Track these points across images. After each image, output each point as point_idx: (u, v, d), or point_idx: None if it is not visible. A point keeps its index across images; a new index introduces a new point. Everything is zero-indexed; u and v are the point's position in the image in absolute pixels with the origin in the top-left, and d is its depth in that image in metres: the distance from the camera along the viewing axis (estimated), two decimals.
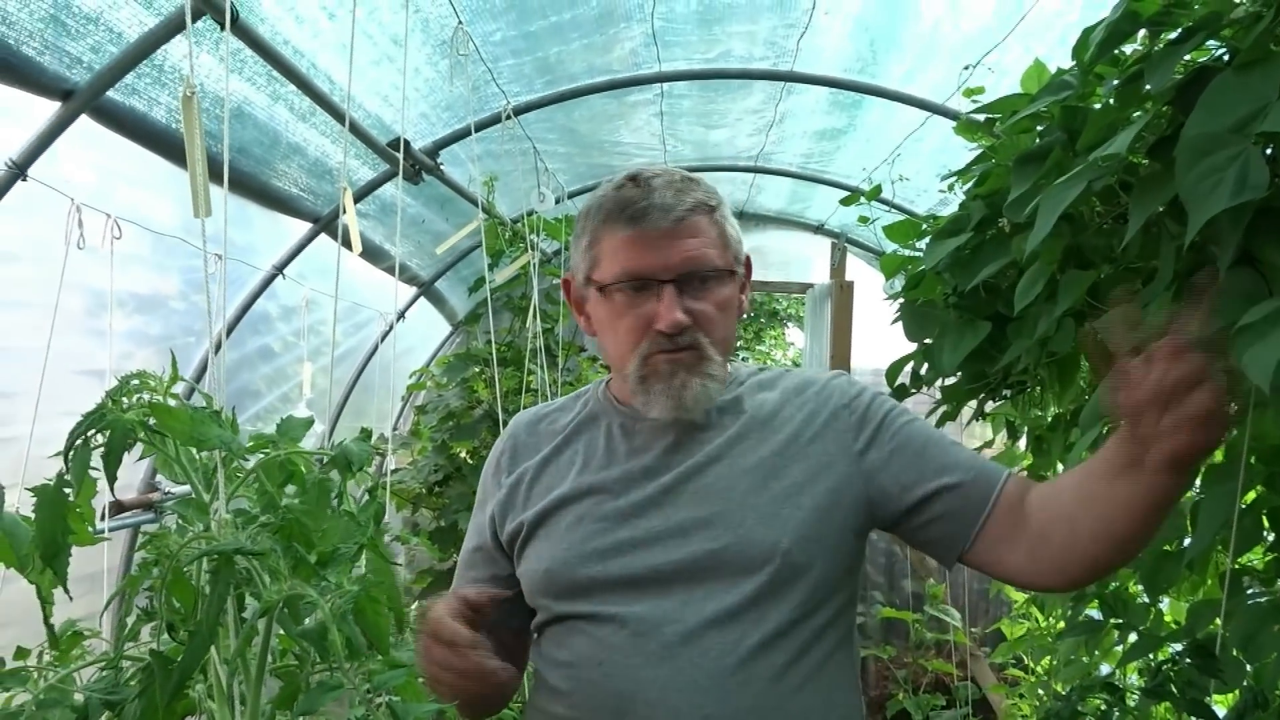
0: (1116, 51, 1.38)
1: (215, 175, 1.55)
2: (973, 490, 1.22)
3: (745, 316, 1.36)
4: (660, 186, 1.21)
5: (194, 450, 0.98)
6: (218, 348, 1.66)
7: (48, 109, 1.95)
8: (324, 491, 0.84)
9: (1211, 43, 1.22)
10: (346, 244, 2.19)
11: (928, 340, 2.00)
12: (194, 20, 1.90)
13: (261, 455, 0.89)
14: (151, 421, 0.88)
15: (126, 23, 1.93)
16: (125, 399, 0.92)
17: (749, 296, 1.35)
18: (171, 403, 0.97)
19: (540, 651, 1.28)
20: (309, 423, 0.94)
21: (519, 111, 3.37)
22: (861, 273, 5.34)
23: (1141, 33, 1.32)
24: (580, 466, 1.29)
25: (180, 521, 0.90)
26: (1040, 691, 3.28)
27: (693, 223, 1.21)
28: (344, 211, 2.07)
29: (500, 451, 1.39)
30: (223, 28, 1.57)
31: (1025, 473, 2.09)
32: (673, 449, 1.26)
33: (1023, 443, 2.24)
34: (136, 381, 0.99)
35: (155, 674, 0.75)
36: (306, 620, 0.81)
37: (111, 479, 0.85)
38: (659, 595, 1.17)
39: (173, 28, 1.94)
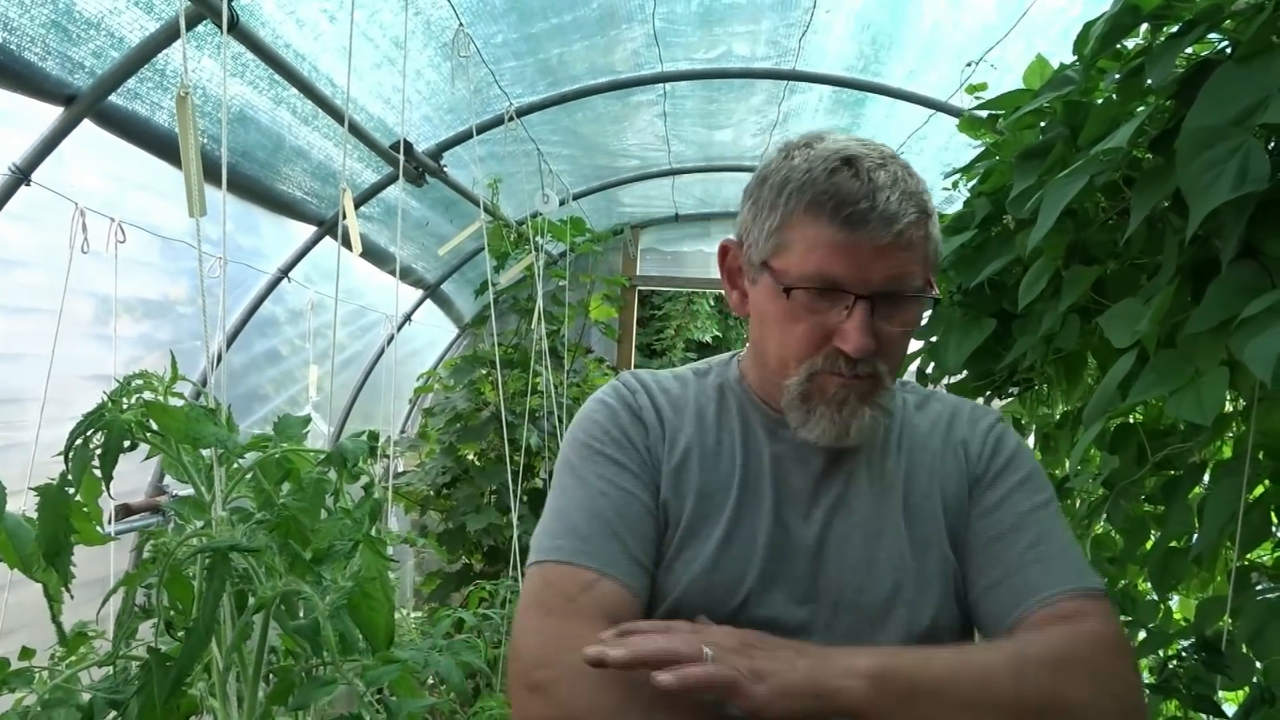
0: (1118, 46, 1.38)
1: (216, 178, 1.56)
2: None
3: None
4: (885, 185, 1.00)
5: (196, 450, 0.99)
6: (218, 357, 1.66)
7: (50, 114, 1.96)
8: (320, 489, 0.84)
9: (1213, 35, 1.22)
10: (347, 245, 2.19)
11: (933, 338, 2.00)
12: (194, 24, 1.91)
13: (259, 454, 0.89)
14: (151, 422, 0.88)
15: (128, 28, 1.93)
16: (126, 399, 0.92)
17: None
18: (174, 402, 0.97)
19: None
20: (306, 421, 0.94)
21: (522, 113, 3.37)
22: None
23: (1143, 27, 1.31)
24: (728, 467, 1.10)
25: (178, 520, 0.91)
26: None
27: (909, 236, 1.01)
28: (343, 212, 2.07)
29: (631, 392, 1.14)
30: (223, 31, 1.57)
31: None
32: (823, 473, 1.10)
33: (1030, 440, 2.23)
34: (139, 382, 0.99)
35: (153, 672, 0.76)
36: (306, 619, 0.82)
37: (107, 478, 0.85)
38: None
39: (173, 32, 1.95)
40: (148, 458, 1.06)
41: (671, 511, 1.07)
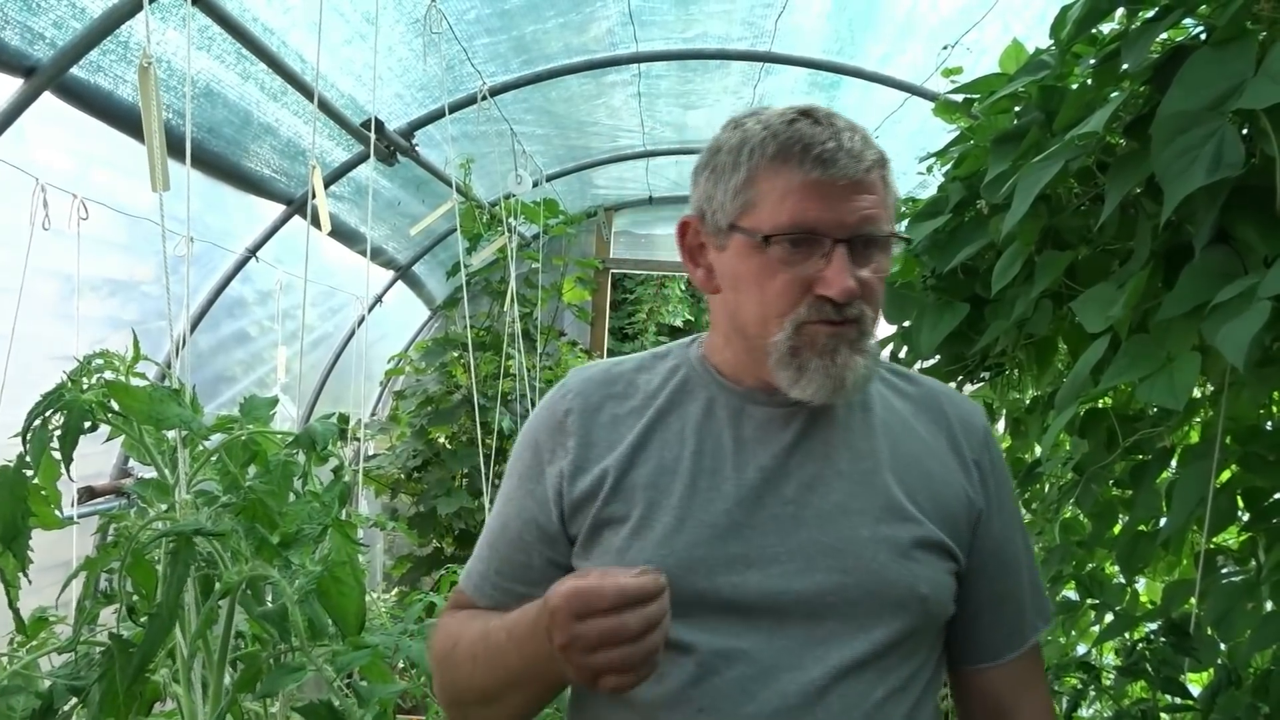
0: (1094, 30, 1.38)
1: (181, 153, 1.52)
2: (1001, 632, 1.13)
3: None
4: (844, 128, 1.00)
5: (160, 432, 0.97)
6: (184, 336, 1.63)
7: (10, 86, 1.91)
8: (288, 472, 0.82)
9: (1188, 21, 1.22)
10: (316, 224, 2.16)
11: (906, 323, 2.00)
12: None
13: (224, 435, 0.87)
14: (112, 402, 0.86)
15: None
16: (86, 379, 0.90)
17: None
18: (136, 382, 0.94)
19: None
20: (273, 402, 0.92)
21: (495, 92, 3.34)
22: None
23: (1119, 11, 1.31)
24: (678, 451, 1.06)
25: (141, 503, 0.89)
26: None
27: (875, 178, 1.01)
28: (313, 191, 2.04)
29: (564, 410, 1.10)
30: (187, 2, 1.54)
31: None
32: (792, 449, 1.06)
33: (1001, 425, 2.24)
34: (100, 361, 0.96)
35: (116, 658, 0.74)
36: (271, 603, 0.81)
37: (67, 460, 0.83)
38: (772, 628, 1.00)
39: (137, 2, 1.90)
40: (109, 439, 1.04)
41: (615, 506, 1.05)
